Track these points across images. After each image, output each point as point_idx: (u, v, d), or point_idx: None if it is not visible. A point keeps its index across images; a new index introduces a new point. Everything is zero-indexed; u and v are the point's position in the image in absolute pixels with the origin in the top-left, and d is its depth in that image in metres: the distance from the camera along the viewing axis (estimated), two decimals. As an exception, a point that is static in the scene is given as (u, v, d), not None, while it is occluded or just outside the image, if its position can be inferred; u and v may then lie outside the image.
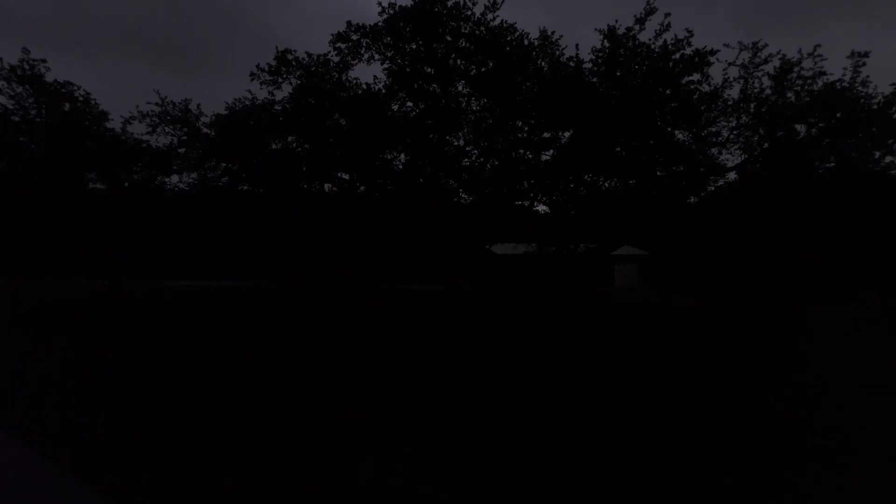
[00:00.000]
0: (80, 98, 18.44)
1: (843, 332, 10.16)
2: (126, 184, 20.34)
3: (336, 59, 14.75)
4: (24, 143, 18.34)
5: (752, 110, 14.36)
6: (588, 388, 5.27)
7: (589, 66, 13.52)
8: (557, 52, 14.12)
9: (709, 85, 13.61)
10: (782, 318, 12.67)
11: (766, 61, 13.53)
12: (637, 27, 13.01)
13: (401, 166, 16.73)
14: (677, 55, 12.99)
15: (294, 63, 14.87)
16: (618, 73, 13.39)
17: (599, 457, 3.32)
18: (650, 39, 13.12)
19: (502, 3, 13.77)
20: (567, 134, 15.07)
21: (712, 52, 13.03)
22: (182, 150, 18.72)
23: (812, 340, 9.09)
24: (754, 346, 8.21)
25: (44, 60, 17.61)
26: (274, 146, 17.21)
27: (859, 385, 5.59)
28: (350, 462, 3.29)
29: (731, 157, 20.27)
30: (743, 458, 3.31)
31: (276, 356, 7.13)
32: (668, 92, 13.34)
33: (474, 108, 15.37)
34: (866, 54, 13.21)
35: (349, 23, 14.10)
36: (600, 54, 13.33)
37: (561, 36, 14.11)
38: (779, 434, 3.86)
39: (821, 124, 14.16)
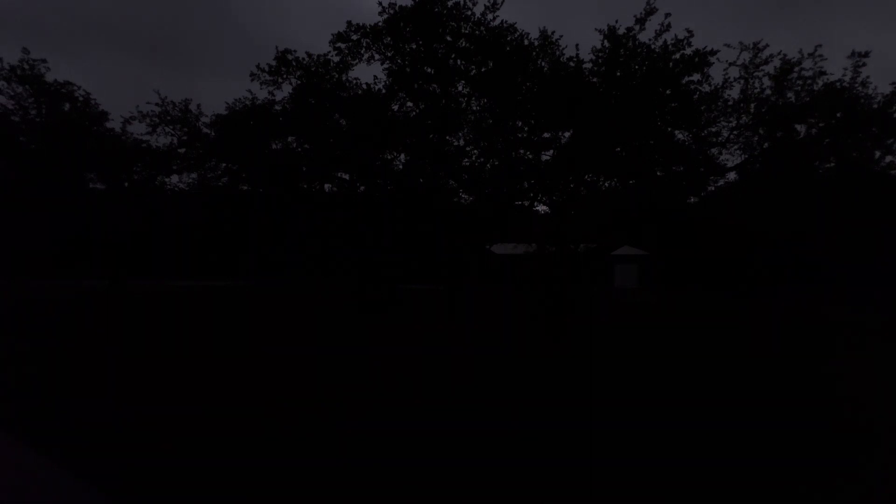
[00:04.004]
0: (80, 98, 18.46)
1: (836, 332, 10.15)
2: (126, 184, 20.33)
3: (336, 59, 14.75)
4: (24, 143, 18.34)
5: (752, 110, 14.35)
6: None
7: (589, 66, 13.51)
8: (557, 53, 14.11)
9: (709, 85, 13.59)
10: (779, 319, 12.66)
11: (766, 62, 13.51)
12: (637, 27, 12.99)
13: (401, 166, 16.73)
14: (677, 55, 12.97)
15: (294, 63, 14.86)
16: (618, 74, 13.37)
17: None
18: (650, 40, 13.10)
19: (502, 3, 13.77)
20: (567, 134, 15.06)
21: (712, 53, 13.02)
22: (182, 150, 18.74)
23: (811, 341, 9.08)
24: (742, 348, 8.20)
25: (44, 60, 17.64)
26: (274, 146, 17.22)
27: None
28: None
29: (731, 157, 20.24)
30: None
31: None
32: (668, 92, 13.32)
33: (474, 108, 15.36)
34: (866, 54, 13.21)
35: (349, 23, 14.09)
36: (600, 54, 13.31)
37: (561, 36, 14.08)
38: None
39: (821, 124, 14.15)
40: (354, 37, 14.30)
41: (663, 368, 6.34)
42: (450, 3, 13.62)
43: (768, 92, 13.97)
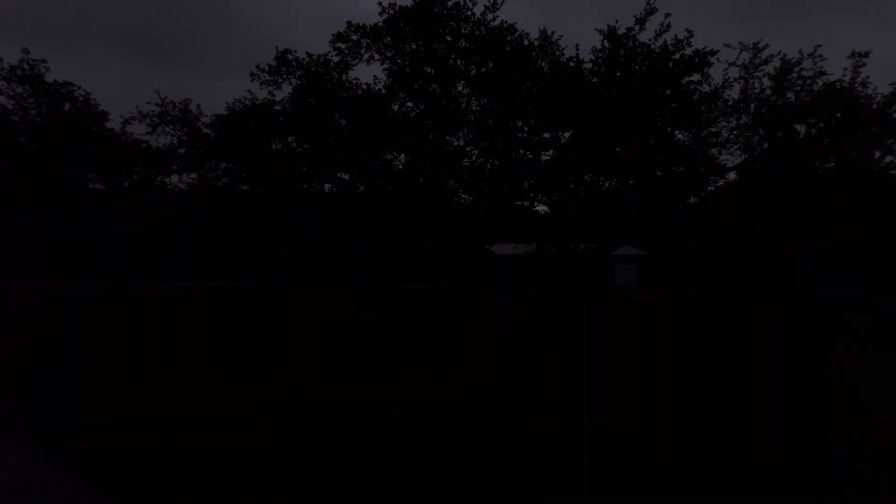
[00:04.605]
0: (80, 98, 18.47)
1: (827, 332, 10.16)
2: (126, 184, 20.35)
3: (336, 59, 14.73)
4: (24, 143, 18.34)
5: (752, 110, 14.33)
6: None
7: (589, 66, 13.49)
8: (557, 53, 14.09)
9: (709, 85, 13.57)
10: (776, 321, 12.66)
11: (766, 62, 13.50)
12: (637, 27, 12.97)
13: (401, 166, 16.71)
14: (677, 55, 12.95)
15: (294, 63, 14.84)
16: (618, 74, 13.36)
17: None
18: (650, 40, 13.09)
19: (502, 3, 13.76)
20: (567, 134, 15.05)
21: (712, 53, 13.01)
22: (182, 150, 18.74)
23: (807, 343, 9.08)
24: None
25: (44, 60, 17.65)
26: (274, 146, 17.21)
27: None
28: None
29: (731, 157, 20.24)
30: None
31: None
32: (668, 92, 13.31)
33: (474, 108, 15.34)
34: (866, 54, 13.21)
35: (349, 23, 14.07)
36: (600, 55, 13.29)
37: (561, 36, 14.07)
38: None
39: (821, 124, 14.14)
40: (354, 37, 14.29)
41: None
42: (450, 3, 13.61)
43: (768, 92, 13.96)
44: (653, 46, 13.03)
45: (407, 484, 3.20)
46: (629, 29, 12.99)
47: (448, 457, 3.58)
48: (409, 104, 15.44)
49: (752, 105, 14.21)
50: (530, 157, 15.38)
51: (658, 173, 15.60)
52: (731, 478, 3.35)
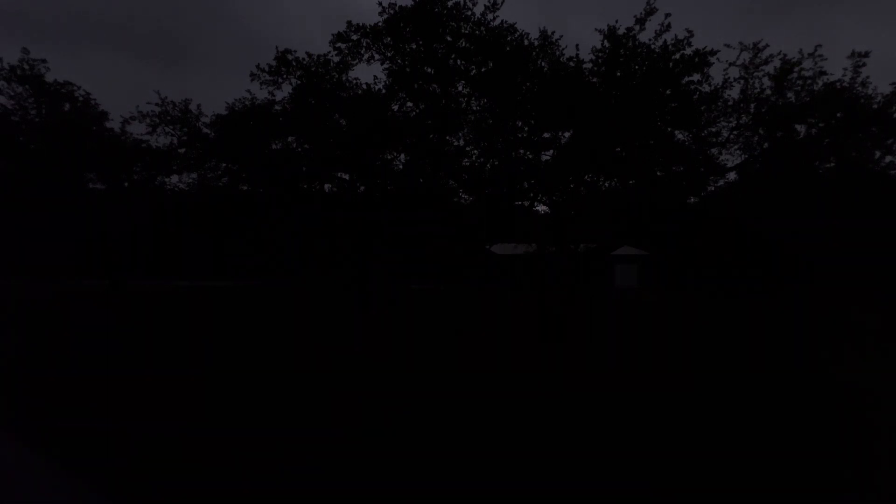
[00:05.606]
0: (80, 98, 18.47)
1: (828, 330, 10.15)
2: (126, 184, 20.35)
3: (336, 59, 14.78)
4: (24, 143, 18.35)
5: (752, 110, 14.37)
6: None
7: (589, 66, 13.53)
8: (557, 53, 14.13)
9: (709, 85, 13.63)
10: (776, 320, 12.65)
11: (766, 62, 13.56)
12: (637, 27, 13.01)
13: (401, 166, 16.73)
14: (677, 55, 12.99)
15: (294, 63, 14.88)
16: (618, 74, 13.38)
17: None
18: (650, 40, 13.12)
19: (502, 3, 13.79)
20: (567, 134, 15.07)
21: (712, 53, 13.03)
22: (182, 150, 18.74)
23: (800, 337, 9.07)
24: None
25: (44, 60, 17.67)
26: (274, 146, 17.24)
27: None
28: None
29: (731, 157, 20.30)
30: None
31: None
32: (668, 92, 13.34)
33: (474, 108, 15.38)
34: (866, 54, 13.25)
35: (349, 23, 14.11)
36: (600, 54, 13.32)
37: (561, 36, 14.18)
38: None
39: (821, 124, 14.18)
40: (354, 37, 14.33)
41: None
42: (450, 3, 13.64)
43: (768, 92, 14.00)
44: (653, 46, 13.06)
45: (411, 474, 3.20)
46: (629, 29, 13.02)
47: (448, 451, 3.60)
48: (410, 104, 15.48)
49: (752, 105, 14.27)
50: (530, 157, 15.41)
51: (658, 173, 15.63)
52: (729, 477, 3.36)
